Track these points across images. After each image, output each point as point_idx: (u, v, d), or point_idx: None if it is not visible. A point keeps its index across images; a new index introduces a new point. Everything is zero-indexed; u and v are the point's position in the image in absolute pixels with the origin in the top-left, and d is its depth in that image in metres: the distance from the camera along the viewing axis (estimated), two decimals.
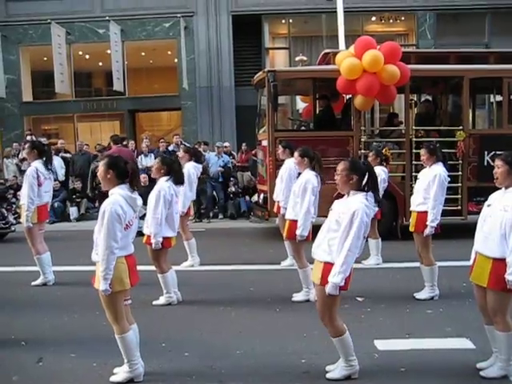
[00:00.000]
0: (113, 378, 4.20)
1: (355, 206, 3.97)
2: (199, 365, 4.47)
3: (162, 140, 14.89)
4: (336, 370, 4.21)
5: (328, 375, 4.21)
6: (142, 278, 6.79)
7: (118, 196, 4.02)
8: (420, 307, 5.87)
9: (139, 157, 14.39)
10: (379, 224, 8.86)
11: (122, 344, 4.12)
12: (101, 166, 4.16)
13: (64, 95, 17.79)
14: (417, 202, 6.49)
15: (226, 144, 14.91)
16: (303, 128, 12.35)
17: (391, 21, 18.24)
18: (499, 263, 3.99)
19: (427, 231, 6.27)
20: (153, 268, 6.27)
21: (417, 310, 5.78)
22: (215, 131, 17.14)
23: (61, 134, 19.69)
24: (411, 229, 6.50)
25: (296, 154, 6.46)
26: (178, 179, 6.14)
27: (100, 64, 19.60)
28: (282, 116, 15.45)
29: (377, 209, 4.02)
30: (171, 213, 6.02)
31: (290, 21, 18.06)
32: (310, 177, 6.22)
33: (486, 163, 9.90)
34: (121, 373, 4.20)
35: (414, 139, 9.95)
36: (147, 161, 14.23)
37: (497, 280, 4.00)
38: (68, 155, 14.52)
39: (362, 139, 9.87)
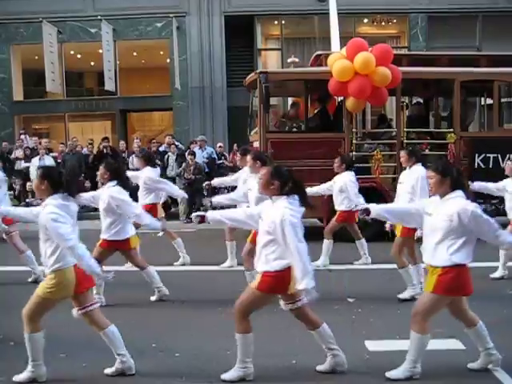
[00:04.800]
0: (16, 378, 4.21)
1: (280, 214, 3.97)
2: (190, 365, 4.45)
3: (153, 140, 14.90)
4: (231, 372, 4.19)
5: (223, 376, 4.18)
6: (133, 278, 6.79)
7: (52, 207, 4.09)
8: (411, 308, 5.83)
9: (130, 157, 14.35)
10: (369, 225, 8.93)
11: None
12: (35, 178, 4.30)
13: (55, 94, 17.72)
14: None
15: (220, 144, 14.98)
16: (295, 129, 12.36)
17: (383, 23, 18.32)
18: (446, 270, 4.06)
19: (418, 233, 6.27)
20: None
21: (408, 311, 5.74)
22: (207, 132, 17.11)
23: (52, 133, 19.64)
24: (398, 234, 6.47)
25: (248, 156, 6.38)
26: (125, 184, 6.15)
27: (92, 63, 19.55)
28: (274, 117, 15.47)
29: (302, 209, 4.09)
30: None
31: (283, 22, 18.09)
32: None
33: (476, 166, 9.96)
34: (24, 372, 4.21)
35: (406, 141, 9.98)
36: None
37: (438, 284, 4.09)
38: (52, 155, 14.46)
39: (354, 141, 9.89)
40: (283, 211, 3.97)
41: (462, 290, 4.17)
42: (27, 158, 14.31)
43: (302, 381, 4.22)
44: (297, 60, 17.56)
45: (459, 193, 4.10)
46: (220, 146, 14.82)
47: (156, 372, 4.36)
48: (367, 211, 4.44)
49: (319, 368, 4.31)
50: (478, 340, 4.32)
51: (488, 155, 9.97)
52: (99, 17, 17.01)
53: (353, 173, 8.01)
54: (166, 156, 13.85)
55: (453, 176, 4.13)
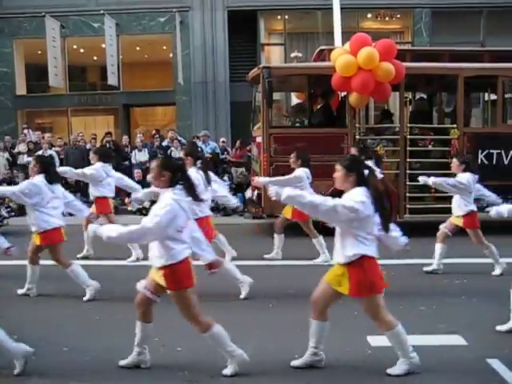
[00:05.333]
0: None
1: (165, 201, 4.06)
2: (191, 360, 4.46)
3: (156, 135, 14.90)
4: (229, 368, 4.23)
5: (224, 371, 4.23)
6: (134, 273, 6.80)
7: None
8: (413, 304, 5.89)
9: (133, 152, 14.38)
10: None
11: None
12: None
13: (58, 89, 17.70)
14: None
15: (223, 139, 15.00)
16: (298, 124, 12.35)
17: (387, 18, 18.24)
18: (352, 268, 4.05)
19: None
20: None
21: (410, 307, 5.79)
22: (210, 127, 17.09)
23: (54, 127, 19.64)
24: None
25: (182, 152, 6.52)
26: (52, 178, 6.24)
27: (94, 58, 19.53)
28: (277, 112, 15.44)
29: (189, 199, 4.21)
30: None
31: (286, 17, 18.03)
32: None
33: (479, 162, 9.93)
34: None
35: (409, 137, 9.96)
36: (141, 156, 14.23)
37: (356, 287, 4.05)
38: (54, 149, 14.46)
39: (357, 136, 9.88)
40: (168, 200, 4.05)
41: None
42: (30, 152, 14.31)
43: (304, 375, 4.22)
44: (300, 55, 17.53)
45: (360, 190, 4.03)
46: (223, 141, 14.82)
47: (158, 366, 4.37)
48: (278, 195, 4.35)
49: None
50: (318, 336, 4.29)
51: (491, 151, 9.95)
52: (102, 11, 16.97)
53: (307, 170, 7.89)
54: (169, 151, 13.85)
55: (358, 173, 4.08)
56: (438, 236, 7.42)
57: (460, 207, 7.18)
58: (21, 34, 17.82)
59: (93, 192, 8.45)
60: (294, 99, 13.76)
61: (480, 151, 9.95)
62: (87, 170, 8.34)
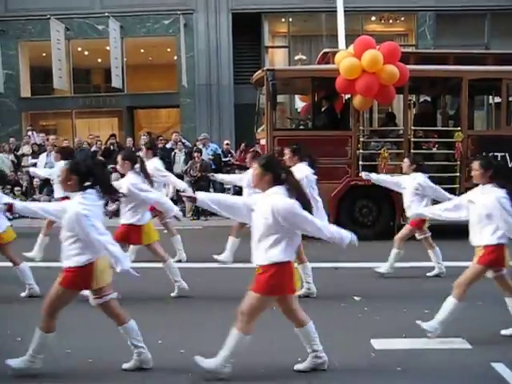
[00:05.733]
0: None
1: (71, 210, 4.06)
2: (195, 362, 4.45)
3: (160, 137, 14.94)
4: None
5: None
6: (147, 274, 6.81)
7: None
8: (417, 307, 5.87)
9: (137, 154, 14.37)
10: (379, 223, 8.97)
11: None
12: None
13: (62, 91, 17.75)
14: None
15: (226, 141, 15.00)
16: (302, 127, 12.35)
17: (391, 21, 18.24)
18: (265, 268, 4.06)
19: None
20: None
21: (414, 310, 5.78)
22: (214, 129, 17.12)
23: (59, 130, 19.68)
24: None
25: (119, 156, 6.53)
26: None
27: (99, 60, 19.57)
28: (281, 115, 15.44)
29: (100, 202, 4.25)
30: None
31: (290, 19, 18.04)
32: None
33: None
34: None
35: (413, 139, 9.95)
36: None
37: (257, 283, 4.11)
38: None
39: (361, 139, 9.87)
40: (74, 208, 4.04)
41: (282, 290, 4.10)
42: (35, 155, 14.36)
43: (306, 377, 4.21)
44: (304, 57, 17.54)
45: (277, 189, 4.00)
46: (227, 144, 14.83)
47: (163, 369, 4.37)
48: (193, 199, 4.36)
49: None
50: (306, 341, 4.28)
51: (495, 154, 9.92)
52: (107, 14, 17.01)
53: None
54: (173, 153, 13.87)
55: (274, 172, 4.03)
56: (423, 242, 7.44)
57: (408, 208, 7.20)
58: (25, 36, 17.88)
59: (56, 191, 8.38)
60: (298, 102, 13.78)
61: (484, 154, 9.92)
62: (50, 170, 8.31)
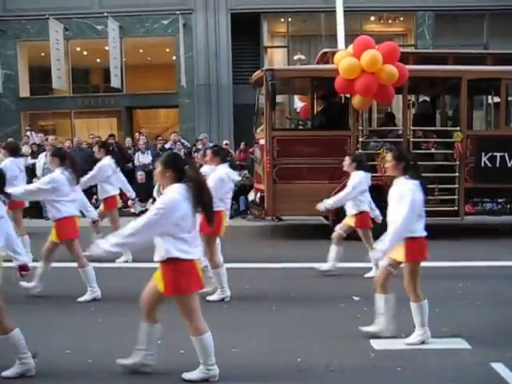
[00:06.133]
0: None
1: None
2: (195, 363, 4.44)
3: (159, 137, 14.94)
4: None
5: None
6: (135, 274, 6.80)
7: None
8: None
9: (136, 154, 14.40)
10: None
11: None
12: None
13: (61, 91, 17.73)
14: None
15: (226, 142, 14.99)
16: (301, 127, 12.36)
17: (390, 21, 18.24)
18: (164, 266, 4.00)
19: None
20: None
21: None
22: (213, 129, 17.11)
23: (58, 130, 19.65)
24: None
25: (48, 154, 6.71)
26: None
27: (98, 60, 19.54)
28: (280, 115, 15.44)
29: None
30: None
31: (289, 19, 18.03)
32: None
33: (483, 164, 9.92)
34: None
35: (412, 139, 9.95)
36: (144, 158, 14.26)
37: (167, 285, 4.02)
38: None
39: (360, 139, 9.87)
40: None
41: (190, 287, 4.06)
42: (34, 155, 14.35)
43: (306, 378, 4.21)
44: (303, 57, 17.54)
45: (176, 186, 3.98)
46: (226, 144, 14.81)
47: (162, 369, 4.37)
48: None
49: (5, 373, 4.25)
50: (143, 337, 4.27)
51: (495, 154, 9.93)
52: (105, 14, 16.99)
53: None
54: None
55: (175, 169, 4.02)
56: (332, 237, 7.45)
57: (353, 207, 7.20)
58: (24, 36, 17.85)
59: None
60: (297, 102, 13.78)
61: (483, 154, 9.94)
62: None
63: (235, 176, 6.68)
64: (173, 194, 3.91)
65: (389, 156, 5.10)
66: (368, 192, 7.29)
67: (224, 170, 6.39)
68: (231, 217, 13.04)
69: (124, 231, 3.95)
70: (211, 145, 14.77)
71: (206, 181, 4.32)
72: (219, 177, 6.24)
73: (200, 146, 14.00)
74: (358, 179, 7.10)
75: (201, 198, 3.98)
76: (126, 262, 8.22)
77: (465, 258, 8.20)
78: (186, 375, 4.21)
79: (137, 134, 15.83)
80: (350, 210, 7.29)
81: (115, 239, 3.94)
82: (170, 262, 3.96)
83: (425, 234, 4.87)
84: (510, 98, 11.04)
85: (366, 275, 7.15)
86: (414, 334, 4.83)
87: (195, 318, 4.13)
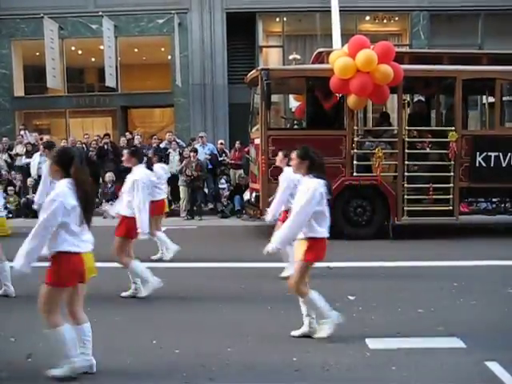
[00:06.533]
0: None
1: None
2: (190, 362, 4.45)
3: (154, 137, 14.93)
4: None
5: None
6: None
7: None
8: (411, 306, 5.89)
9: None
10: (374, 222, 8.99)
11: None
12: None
13: (56, 90, 17.69)
14: (123, 206, 6.46)
15: (221, 141, 15.02)
16: (296, 127, 12.36)
17: (385, 20, 18.26)
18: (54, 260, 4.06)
19: (140, 237, 6.31)
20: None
21: (408, 309, 5.80)
22: (208, 128, 17.09)
23: (52, 129, 19.62)
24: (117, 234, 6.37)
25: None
26: None
27: (93, 59, 19.50)
28: (275, 114, 15.43)
29: None
30: None
31: (285, 19, 18.04)
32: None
33: (477, 164, 9.95)
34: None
35: (407, 139, 9.97)
36: None
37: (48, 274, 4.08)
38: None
39: (355, 138, 9.88)
40: None
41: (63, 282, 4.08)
42: (28, 154, 14.31)
43: (301, 378, 4.21)
44: (298, 57, 17.54)
45: (63, 182, 4.06)
46: (221, 143, 14.84)
47: (157, 369, 4.36)
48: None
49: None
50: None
51: (489, 154, 9.96)
52: (100, 13, 16.96)
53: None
54: (167, 153, 13.86)
55: (63, 165, 4.09)
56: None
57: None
58: (19, 35, 17.79)
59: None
60: (293, 101, 13.78)
61: (478, 154, 9.96)
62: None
63: (152, 176, 6.74)
64: (59, 190, 4.01)
65: (293, 154, 5.09)
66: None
67: (141, 171, 6.42)
68: (227, 216, 13.12)
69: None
70: (219, 142, 14.83)
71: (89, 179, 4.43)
72: (139, 177, 6.29)
73: (198, 145, 14.01)
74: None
75: (82, 194, 4.05)
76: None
77: (459, 257, 8.23)
78: (54, 372, 4.15)
79: (127, 133, 15.72)
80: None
81: None
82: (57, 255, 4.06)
83: (327, 235, 4.81)
84: (504, 98, 11.09)
85: (281, 275, 7.07)
86: (322, 327, 4.87)
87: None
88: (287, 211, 6.75)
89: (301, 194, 4.77)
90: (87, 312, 5.41)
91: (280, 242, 4.80)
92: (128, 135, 15.15)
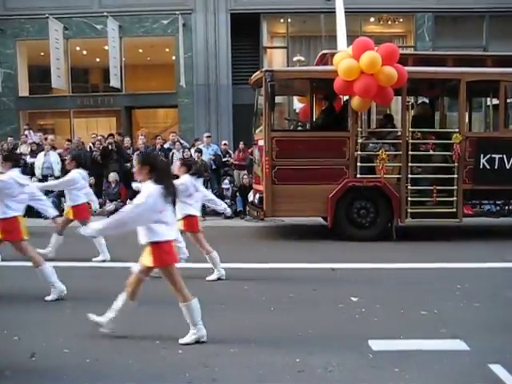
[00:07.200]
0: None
1: None
2: (193, 362, 4.46)
3: (158, 137, 14.94)
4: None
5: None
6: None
7: None
8: (415, 308, 5.88)
9: (135, 154, 14.37)
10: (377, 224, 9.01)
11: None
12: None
13: (60, 90, 17.73)
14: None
15: (225, 142, 15.03)
16: (300, 128, 12.36)
17: (390, 22, 18.25)
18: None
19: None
20: None
21: (411, 311, 5.79)
22: (212, 129, 17.10)
23: (57, 129, 19.65)
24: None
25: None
26: None
27: (97, 60, 19.54)
28: (279, 116, 15.45)
29: None
30: None
31: (289, 20, 18.05)
32: None
33: (481, 166, 9.93)
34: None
35: (411, 141, 9.96)
36: None
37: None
38: (58, 151, 14.50)
39: (359, 140, 9.87)
40: None
41: None
42: (33, 154, 14.35)
43: (305, 379, 4.21)
44: (302, 59, 17.54)
45: None
46: (224, 144, 14.85)
47: (160, 368, 4.37)
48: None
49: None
50: None
51: (493, 156, 9.94)
52: (105, 13, 17.00)
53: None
54: (171, 153, 13.88)
55: None
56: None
57: (179, 211, 6.92)
58: (24, 35, 17.84)
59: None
60: (296, 103, 13.79)
61: (482, 156, 9.94)
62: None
63: (25, 181, 6.62)
64: None
65: (135, 160, 5.13)
66: (193, 196, 7.11)
67: (14, 174, 6.32)
68: (230, 217, 13.11)
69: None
70: (222, 143, 14.86)
71: None
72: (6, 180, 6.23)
73: (202, 146, 14.03)
74: (184, 181, 6.93)
75: None
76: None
77: (463, 259, 8.22)
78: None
79: (116, 135, 15.37)
80: (177, 213, 7.17)
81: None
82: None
83: (169, 238, 4.77)
84: (508, 100, 11.05)
85: (207, 278, 7.13)
86: (188, 333, 4.88)
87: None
88: (185, 218, 7.01)
89: (136, 199, 4.74)
90: (89, 311, 5.44)
91: (97, 230, 4.75)
92: (143, 137, 15.00)
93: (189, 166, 7.20)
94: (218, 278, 7.20)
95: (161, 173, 4.77)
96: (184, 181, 6.95)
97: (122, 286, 4.92)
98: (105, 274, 7.50)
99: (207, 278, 7.15)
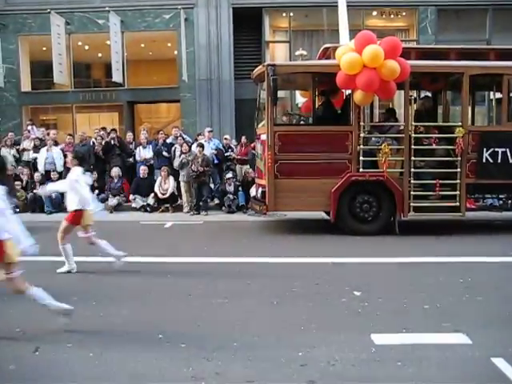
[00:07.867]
0: None
1: None
2: (196, 356, 4.47)
3: (160, 132, 14.95)
4: None
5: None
6: (138, 269, 6.81)
7: None
8: (417, 302, 5.89)
9: (137, 148, 14.40)
10: (380, 218, 8.97)
11: None
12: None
13: (63, 85, 17.74)
14: None
15: (226, 136, 15.03)
16: (302, 122, 12.34)
17: (392, 16, 18.21)
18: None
19: None
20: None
21: (414, 305, 5.79)
22: (214, 124, 17.11)
23: (59, 124, 19.68)
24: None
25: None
26: None
27: (99, 55, 19.55)
28: (282, 110, 15.41)
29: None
30: None
31: (291, 14, 18.02)
32: None
33: (484, 160, 9.91)
34: None
35: (413, 135, 9.94)
36: (145, 152, 14.27)
37: None
38: (60, 147, 14.50)
39: (361, 134, 9.85)
40: None
41: None
42: (36, 149, 14.36)
43: (307, 372, 4.22)
44: (305, 53, 17.52)
45: None
46: (225, 138, 14.84)
47: (163, 363, 4.38)
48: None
49: None
50: None
51: (496, 150, 9.92)
52: (107, 8, 16.99)
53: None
54: (174, 148, 13.89)
55: None
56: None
57: (70, 203, 7.24)
58: (26, 30, 17.86)
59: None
60: (299, 97, 13.75)
61: (485, 149, 9.92)
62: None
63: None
64: None
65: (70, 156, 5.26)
66: (88, 189, 7.31)
67: None
68: (233, 211, 13.12)
69: None
70: (224, 137, 14.86)
71: None
72: None
73: (203, 141, 14.03)
74: (76, 175, 7.12)
75: None
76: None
77: (465, 253, 8.21)
78: None
79: (101, 131, 15.17)
80: (70, 205, 7.25)
81: None
82: None
83: (4, 237, 4.79)
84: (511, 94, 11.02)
85: (58, 270, 7.21)
86: None
87: None
88: (75, 212, 7.13)
89: None
90: (92, 306, 5.46)
91: None
92: (144, 131, 14.98)
93: (80, 159, 7.33)
94: (69, 271, 7.28)
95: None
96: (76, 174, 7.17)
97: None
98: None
99: (57, 271, 7.26)
